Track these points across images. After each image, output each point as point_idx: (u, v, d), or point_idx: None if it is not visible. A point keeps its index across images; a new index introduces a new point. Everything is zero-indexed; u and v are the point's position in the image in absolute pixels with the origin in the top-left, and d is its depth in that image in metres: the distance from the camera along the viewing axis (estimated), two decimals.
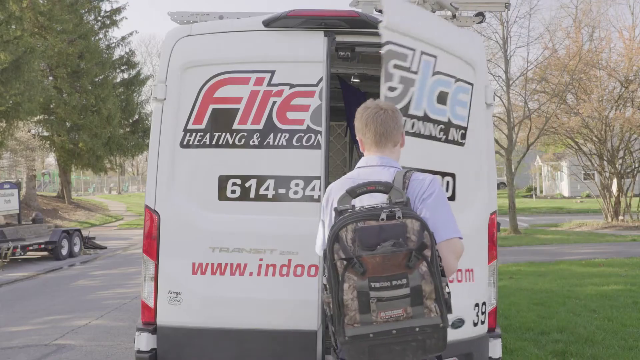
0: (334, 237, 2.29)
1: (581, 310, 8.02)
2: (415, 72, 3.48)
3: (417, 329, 2.23)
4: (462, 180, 3.73)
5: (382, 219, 2.28)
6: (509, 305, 8.30)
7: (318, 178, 3.71)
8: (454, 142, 3.74)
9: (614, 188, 25.21)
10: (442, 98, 3.65)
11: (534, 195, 46.91)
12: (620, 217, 24.64)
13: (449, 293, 2.37)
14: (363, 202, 2.51)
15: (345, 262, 2.24)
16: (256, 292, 3.72)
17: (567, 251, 15.98)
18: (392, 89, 3.40)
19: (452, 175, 3.70)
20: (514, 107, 24.51)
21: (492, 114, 4.30)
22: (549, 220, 28.40)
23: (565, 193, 45.95)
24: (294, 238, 3.64)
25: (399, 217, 2.28)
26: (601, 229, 23.05)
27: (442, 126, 3.67)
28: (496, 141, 21.96)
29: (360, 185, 2.50)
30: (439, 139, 3.65)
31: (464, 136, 3.75)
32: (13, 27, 21.06)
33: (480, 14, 4.59)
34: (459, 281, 3.51)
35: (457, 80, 3.72)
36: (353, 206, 2.42)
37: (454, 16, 4.37)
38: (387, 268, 2.21)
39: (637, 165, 25.53)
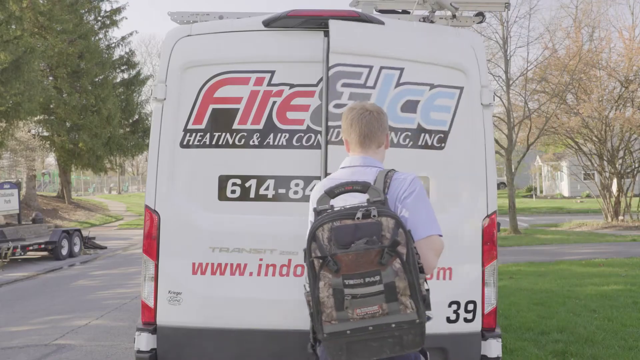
0: (311, 237, 2.35)
1: (581, 310, 8.02)
2: (372, 87, 3.71)
3: (394, 325, 2.27)
4: (440, 183, 3.75)
5: (358, 218, 2.32)
6: (509, 305, 8.30)
7: (318, 178, 3.71)
8: (427, 146, 3.78)
9: (614, 188, 25.22)
10: (409, 107, 3.74)
11: (534, 195, 46.92)
12: (620, 217, 24.64)
13: (427, 290, 2.40)
14: (347, 202, 2.55)
15: (320, 261, 2.29)
16: (256, 292, 3.72)
17: (567, 251, 15.98)
18: (338, 106, 3.66)
19: (425, 179, 3.72)
20: (514, 107, 24.51)
21: (492, 115, 4.30)
22: (549, 220, 28.40)
23: (565, 193, 45.97)
24: (294, 238, 3.64)
25: (374, 216, 2.32)
26: (601, 229, 23.06)
27: (408, 133, 3.75)
28: (496, 141, 21.96)
29: (338, 185, 2.53)
30: (404, 146, 3.74)
31: (442, 140, 3.79)
32: (13, 27, 21.08)
33: (480, 14, 4.59)
34: (429, 278, 3.51)
35: (435, 86, 3.78)
36: (332, 206, 2.45)
37: (454, 16, 4.37)
38: (360, 265, 2.25)
39: (637, 165, 25.53)
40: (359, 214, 2.33)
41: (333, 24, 3.70)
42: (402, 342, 2.29)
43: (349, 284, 2.25)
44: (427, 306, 2.37)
